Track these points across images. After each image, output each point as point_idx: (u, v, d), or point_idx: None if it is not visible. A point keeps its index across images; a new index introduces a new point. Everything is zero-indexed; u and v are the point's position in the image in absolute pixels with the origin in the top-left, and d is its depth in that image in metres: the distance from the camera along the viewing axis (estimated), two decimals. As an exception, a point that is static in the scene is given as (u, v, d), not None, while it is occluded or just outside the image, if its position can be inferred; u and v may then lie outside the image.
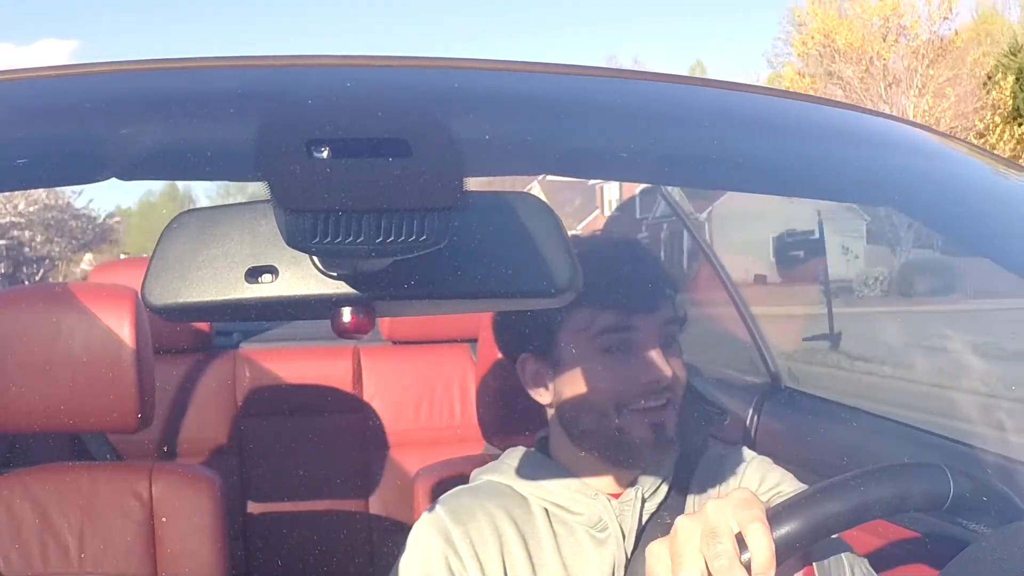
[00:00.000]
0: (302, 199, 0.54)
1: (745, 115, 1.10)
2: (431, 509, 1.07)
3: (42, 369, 1.29)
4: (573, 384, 1.06)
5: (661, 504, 1.08)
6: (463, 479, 1.18)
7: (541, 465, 1.09)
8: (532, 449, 1.13)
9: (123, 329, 1.32)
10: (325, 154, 0.55)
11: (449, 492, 1.10)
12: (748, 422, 1.95)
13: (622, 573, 1.04)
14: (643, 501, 1.07)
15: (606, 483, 1.08)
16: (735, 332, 2.13)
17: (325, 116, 0.59)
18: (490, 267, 0.65)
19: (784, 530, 0.69)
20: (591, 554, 1.04)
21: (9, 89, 0.93)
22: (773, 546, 0.67)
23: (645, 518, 1.07)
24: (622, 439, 1.04)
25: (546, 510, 1.06)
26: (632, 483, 1.08)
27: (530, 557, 1.04)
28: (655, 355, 1.03)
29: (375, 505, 2.15)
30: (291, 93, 0.93)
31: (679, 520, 0.71)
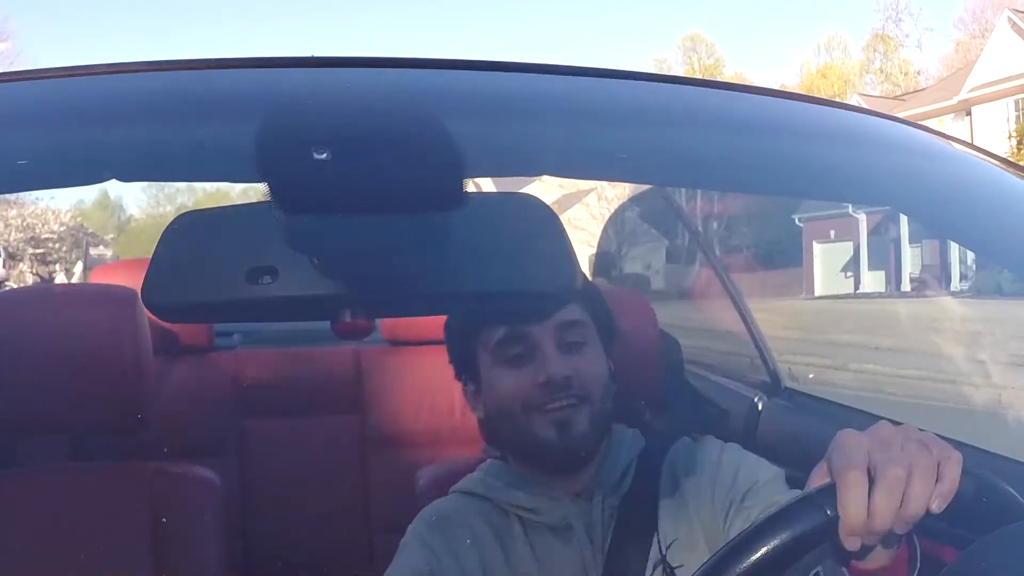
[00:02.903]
0: (303, 201, 0.54)
1: (745, 116, 1.11)
2: (412, 524, 1.11)
3: (42, 369, 1.29)
4: (489, 397, 1.13)
5: (626, 499, 1.12)
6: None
7: (506, 473, 1.14)
8: (498, 460, 1.18)
9: (123, 329, 1.31)
10: (326, 155, 0.55)
11: (427, 507, 1.14)
12: (748, 422, 1.95)
13: (593, 571, 1.08)
14: (604, 497, 1.11)
15: (566, 482, 1.12)
16: (735, 332, 2.13)
17: (326, 118, 0.59)
18: (490, 268, 0.65)
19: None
20: (560, 554, 1.09)
21: (9, 91, 0.93)
22: (957, 486, 0.68)
23: (609, 514, 1.10)
24: (532, 442, 1.09)
25: (518, 515, 1.11)
26: (591, 479, 1.12)
27: (508, 560, 1.08)
28: (549, 357, 1.07)
29: (375, 506, 2.15)
30: (291, 95, 0.93)
31: (881, 422, 0.73)
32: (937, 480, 0.68)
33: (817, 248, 19.12)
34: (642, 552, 1.09)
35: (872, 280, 18.89)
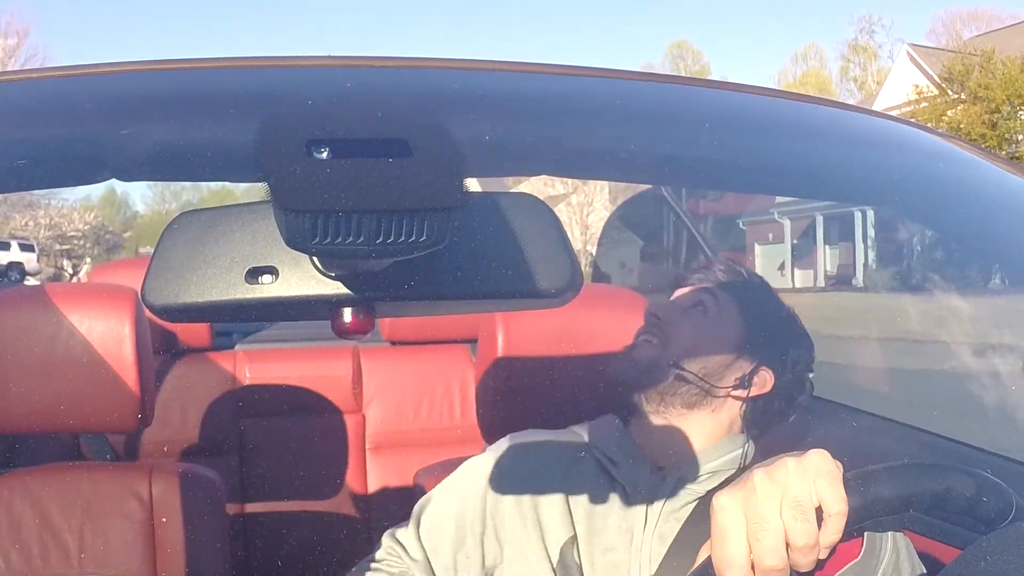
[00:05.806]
0: (302, 200, 0.54)
1: (745, 115, 1.10)
2: (513, 433, 1.24)
3: (42, 369, 1.29)
4: None
5: (705, 495, 1.12)
6: None
7: (614, 427, 1.20)
8: (614, 417, 1.23)
9: (123, 329, 1.31)
10: (325, 155, 0.55)
11: (526, 431, 1.24)
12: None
13: (640, 537, 1.10)
14: (681, 482, 1.12)
15: (659, 455, 1.16)
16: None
17: (325, 117, 0.59)
18: (490, 268, 0.65)
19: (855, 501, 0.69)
20: (616, 512, 1.12)
21: (9, 90, 0.93)
22: (841, 533, 0.68)
23: (688, 500, 1.11)
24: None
25: (599, 464, 1.16)
26: (681, 463, 1.15)
27: (567, 497, 1.13)
28: (661, 299, 1.23)
29: (375, 505, 2.15)
30: (291, 94, 0.93)
31: (758, 477, 0.69)
32: (821, 524, 0.67)
33: (758, 248, 22.30)
34: (691, 546, 1.08)
35: (800, 277, 22.62)
